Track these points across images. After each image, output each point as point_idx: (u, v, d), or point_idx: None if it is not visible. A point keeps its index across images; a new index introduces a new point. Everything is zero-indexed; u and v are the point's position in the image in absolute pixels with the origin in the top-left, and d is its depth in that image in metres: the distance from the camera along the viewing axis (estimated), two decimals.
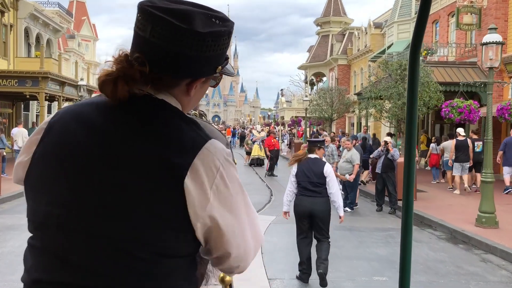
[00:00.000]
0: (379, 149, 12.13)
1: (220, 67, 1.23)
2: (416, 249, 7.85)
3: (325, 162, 6.04)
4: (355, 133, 27.60)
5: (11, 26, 23.88)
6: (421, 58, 18.53)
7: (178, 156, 1.11)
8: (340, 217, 5.97)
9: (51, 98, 20.40)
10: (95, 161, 1.12)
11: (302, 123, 32.45)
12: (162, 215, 1.10)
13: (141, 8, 1.13)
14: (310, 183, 5.72)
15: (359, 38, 33.84)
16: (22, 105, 25.18)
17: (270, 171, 18.54)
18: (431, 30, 23.34)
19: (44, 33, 28.09)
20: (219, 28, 1.15)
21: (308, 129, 28.45)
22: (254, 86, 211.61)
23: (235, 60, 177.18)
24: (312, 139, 7.07)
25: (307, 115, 27.50)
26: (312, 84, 41.58)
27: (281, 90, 58.43)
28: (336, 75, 35.93)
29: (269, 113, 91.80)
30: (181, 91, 1.22)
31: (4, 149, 15.20)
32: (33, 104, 27.40)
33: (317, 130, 26.37)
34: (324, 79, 40.20)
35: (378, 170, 11.78)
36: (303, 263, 5.89)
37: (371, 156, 13.41)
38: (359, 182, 12.63)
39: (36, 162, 1.18)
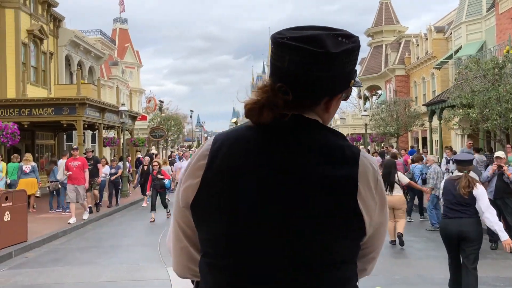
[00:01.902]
0: (490, 168, 9.43)
1: (352, 81, 1.28)
2: None
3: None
4: (420, 150, 24.64)
5: (51, 54, 22.95)
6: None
7: (345, 167, 1.19)
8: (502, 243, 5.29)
9: (90, 126, 18.95)
10: (269, 179, 1.18)
11: (361, 140, 29.78)
12: (343, 224, 1.17)
13: (274, 41, 1.21)
14: (456, 203, 5.35)
15: (418, 45, 30.97)
16: (64, 136, 24.06)
17: None
18: (510, 27, 20.31)
19: (86, 60, 27.20)
20: (349, 46, 1.20)
21: (370, 146, 25.81)
22: None
23: None
24: (461, 158, 5.79)
25: (367, 131, 24.87)
26: (365, 99, 38.80)
27: None
28: (394, 87, 33.07)
29: None
30: (320, 109, 1.28)
31: (58, 181, 14.39)
32: (76, 134, 26.31)
33: (384, 148, 23.53)
34: (380, 92, 37.34)
35: (489, 195, 9.08)
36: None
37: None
38: None
39: (207, 185, 1.22)
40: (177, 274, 1.37)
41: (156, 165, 13.06)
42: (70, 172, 12.37)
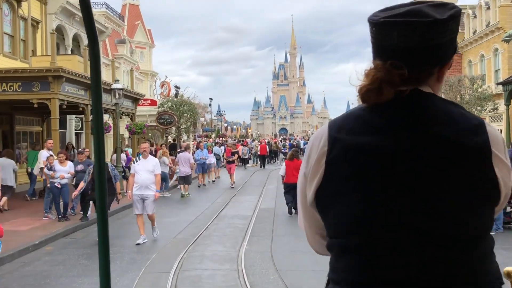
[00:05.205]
0: None
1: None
2: None
3: None
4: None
5: (36, 22, 19.01)
6: None
7: (476, 135, 1.17)
8: None
9: (73, 107, 14.91)
10: (398, 155, 1.17)
11: None
12: (479, 195, 1.16)
13: (377, 22, 1.21)
14: None
15: (475, 17, 26.09)
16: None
17: None
18: None
19: (84, 33, 23.21)
20: (452, 11, 1.20)
21: None
22: (321, 98, 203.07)
23: (300, 71, 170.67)
24: None
25: None
26: None
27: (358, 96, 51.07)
28: None
29: None
30: (433, 79, 1.27)
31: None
32: (71, 120, 22.43)
33: None
34: None
35: None
36: None
37: None
38: None
39: (332, 169, 1.23)
40: (315, 251, 1.44)
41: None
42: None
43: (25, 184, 15.59)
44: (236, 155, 20.19)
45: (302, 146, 34.56)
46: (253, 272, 6.90)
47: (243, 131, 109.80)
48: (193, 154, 20.35)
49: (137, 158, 9.28)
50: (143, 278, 6.73)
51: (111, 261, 7.49)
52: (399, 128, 1.17)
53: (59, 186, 10.82)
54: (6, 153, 13.06)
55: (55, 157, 11.25)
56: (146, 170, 8.92)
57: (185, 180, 16.34)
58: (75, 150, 17.62)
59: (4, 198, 12.50)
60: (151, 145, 24.60)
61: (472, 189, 1.13)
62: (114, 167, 10.55)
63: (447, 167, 1.13)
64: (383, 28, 1.19)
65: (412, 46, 1.17)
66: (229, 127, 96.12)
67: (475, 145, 1.15)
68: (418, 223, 1.13)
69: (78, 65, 15.69)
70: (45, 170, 11.04)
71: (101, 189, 2.03)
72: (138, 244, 8.80)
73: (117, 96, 15.41)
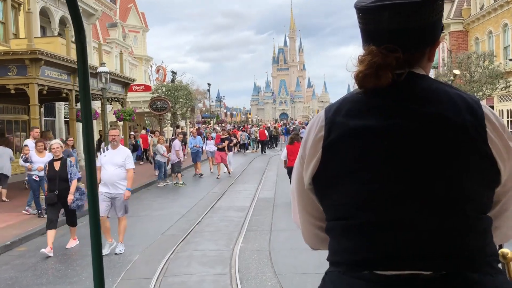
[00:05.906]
0: None
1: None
2: None
3: None
4: None
5: (18, 4, 17.87)
6: None
7: (471, 113, 1.17)
8: None
9: (57, 93, 13.83)
10: (399, 134, 1.16)
11: None
12: (479, 170, 1.15)
13: (364, 8, 1.21)
14: None
15: None
16: (42, 109, 19.15)
17: None
18: None
19: None
20: None
21: None
22: (321, 82, 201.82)
23: (300, 54, 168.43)
24: None
25: None
26: None
27: None
28: (448, 46, 27.09)
29: None
30: (425, 60, 1.26)
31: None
32: (60, 107, 21.40)
33: None
34: None
35: None
36: None
37: None
38: None
39: (331, 153, 1.22)
40: (310, 246, 1.43)
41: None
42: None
43: (21, 174, 14.79)
44: (227, 142, 17.80)
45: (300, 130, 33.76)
46: (248, 277, 5.97)
47: (243, 116, 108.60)
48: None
49: (106, 148, 7.82)
50: (119, 287, 5.80)
51: (88, 265, 6.40)
52: (399, 109, 1.18)
53: (37, 179, 9.85)
54: (4, 142, 12.50)
55: (29, 148, 10.27)
56: (113, 164, 7.19)
57: (172, 168, 15.60)
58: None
59: (4, 191, 11.88)
60: (152, 132, 23.47)
61: (470, 166, 1.14)
62: (74, 163, 8.42)
63: (446, 144, 1.14)
64: (373, 13, 1.19)
65: (404, 28, 1.17)
66: (229, 113, 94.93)
67: (470, 124, 1.15)
68: (422, 198, 1.13)
69: (60, 47, 14.59)
70: (21, 162, 10.07)
71: (92, 184, 1.99)
72: (105, 254, 6.70)
73: (103, 80, 14.36)
